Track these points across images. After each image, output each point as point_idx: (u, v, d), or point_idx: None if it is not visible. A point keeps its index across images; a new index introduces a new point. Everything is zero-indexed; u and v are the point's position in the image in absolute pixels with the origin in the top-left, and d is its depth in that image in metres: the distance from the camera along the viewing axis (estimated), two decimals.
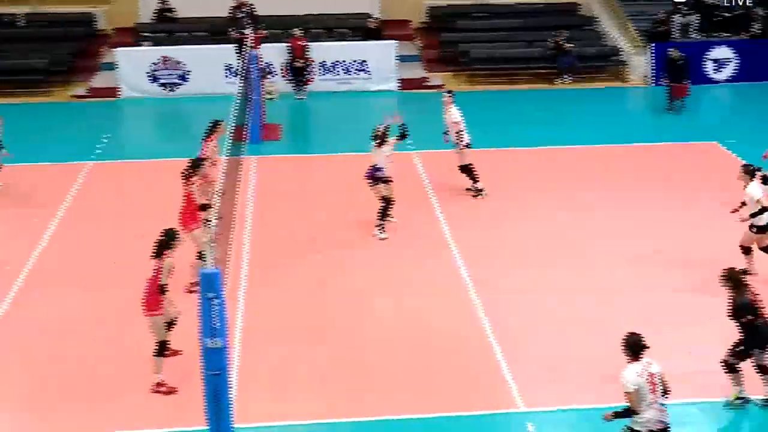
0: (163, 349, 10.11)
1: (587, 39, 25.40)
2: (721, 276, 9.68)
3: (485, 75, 24.43)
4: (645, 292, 12.33)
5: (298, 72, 23.00)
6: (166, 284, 9.99)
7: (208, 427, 8.73)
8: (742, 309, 9.51)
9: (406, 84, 23.69)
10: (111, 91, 23.19)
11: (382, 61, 23.57)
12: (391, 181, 14.24)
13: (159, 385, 10.12)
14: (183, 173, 12.19)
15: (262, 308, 12.11)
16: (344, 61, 23.61)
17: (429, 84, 24.02)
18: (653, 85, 23.44)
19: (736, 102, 23.07)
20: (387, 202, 14.26)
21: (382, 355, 10.98)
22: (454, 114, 15.82)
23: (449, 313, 12.00)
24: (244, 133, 16.57)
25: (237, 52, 20.73)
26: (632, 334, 8.28)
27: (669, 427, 8.26)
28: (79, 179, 16.90)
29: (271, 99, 21.91)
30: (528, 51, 24.90)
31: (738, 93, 23.28)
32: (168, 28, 25.12)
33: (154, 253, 10.06)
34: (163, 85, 23.26)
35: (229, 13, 21.47)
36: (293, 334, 11.48)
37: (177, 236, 10.26)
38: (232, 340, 10.55)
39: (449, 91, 16.48)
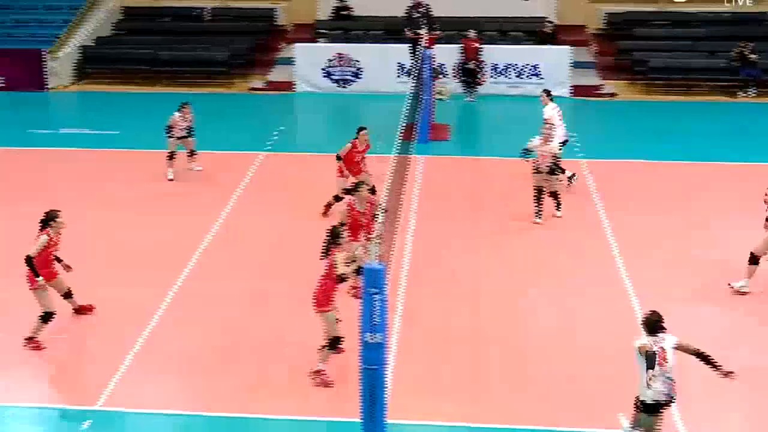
0: (335, 344, 10.24)
1: None
2: None
3: (662, 85, 23.65)
4: None
5: (470, 74, 22.99)
6: (344, 274, 10.04)
7: (361, 420, 8.82)
8: None
9: (579, 91, 23.24)
10: (287, 85, 23.93)
11: (555, 67, 23.24)
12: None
13: (318, 372, 10.31)
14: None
15: (421, 305, 12.14)
16: (516, 65, 23.43)
17: (602, 92, 23.49)
18: None
19: None
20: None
21: (538, 362, 10.78)
22: (547, 112, 16.16)
23: (607, 320, 11.67)
24: (413, 132, 16.69)
25: (411, 52, 20.93)
26: (653, 312, 8.41)
27: (674, 400, 8.33)
28: (251, 169, 17.49)
29: (441, 99, 21.99)
30: (709, 62, 23.94)
31: None
32: (344, 26, 25.69)
33: (322, 253, 10.19)
34: (336, 81, 23.78)
35: (406, 12, 21.69)
36: (450, 333, 11.45)
37: (342, 234, 10.33)
38: (390, 336, 10.64)
39: (547, 91, 16.84)
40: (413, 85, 17.28)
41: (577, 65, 23.57)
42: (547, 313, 12.00)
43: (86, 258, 13.00)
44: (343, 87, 23.75)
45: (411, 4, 21.63)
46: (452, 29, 23.80)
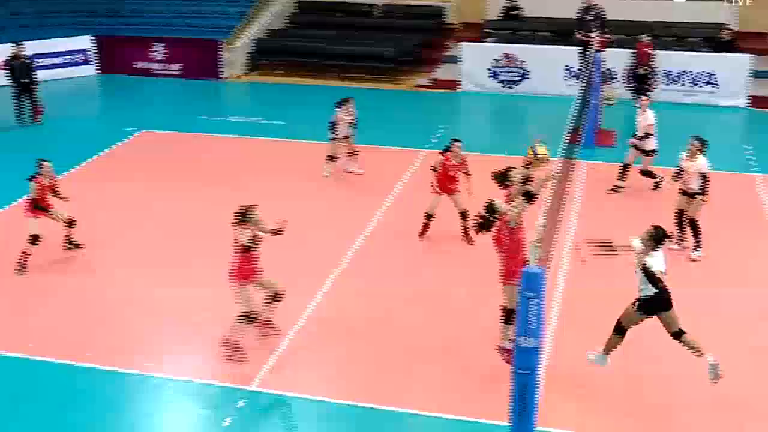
0: (510, 316, 10.26)
1: None
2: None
3: None
4: None
5: (641, 79, 22.30)
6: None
7: (510, 424, 8.69)
8: None
9: (758, 102, 22.12)
10: (452, 84, 23.92)
11: (732, 75, 22.22)
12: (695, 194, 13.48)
13: (504, 350, 10.43)
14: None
15: (578, 311, 11.87)
16: (690, 72, 22.55)
17: None
18: None
19: None
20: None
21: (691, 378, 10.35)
22: (649, 117, 15.89)
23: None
24: (579, 136, 16.32)
25: (580, 55, 20.48)
26: (656, 227, 9.60)
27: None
28: (412, 166, 17.57)
29: (609, 104, 21.43)
30: None
31: None
32: (513, 26, 25.43)
33: (477, 229, 10.35)
34: (502, 81, 23.59)
35: (577, 14, 21.23)
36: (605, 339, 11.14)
37: (497, 207, 10.30)
38: (544, 341, 10.45)
39: (646, 95, 16.31)
40: (581, 88, 16.89)
41: (757, 75, 22.43)
42: (713, 321, 11.49)
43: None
44: (509, 88, 23.53)
45: (583, 6, 21.15)
46: (625, 33, 23.16)
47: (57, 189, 13.52)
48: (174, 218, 15.09)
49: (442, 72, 24.79)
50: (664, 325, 9.85)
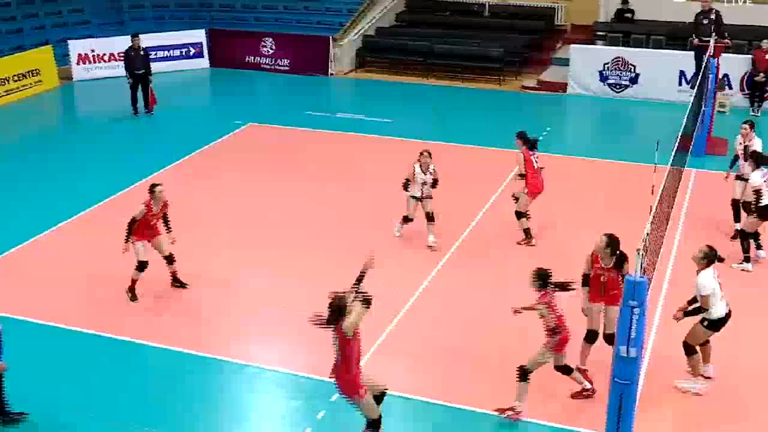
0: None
1: None
2: None
3: None
4: None
5: (758, 86, 21.54)
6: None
7: None
8: None
9: None
10: (559, 86, 23.58)
11: None
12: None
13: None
14: None
15: (676, 325, 11.54)
16: None
17: None
18: None
19: None
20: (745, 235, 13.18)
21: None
22: (756, 143, 14.22)
23: None
24: (690, 144, 15.89)
25: (695, 60, 19.92)
26: (710, 247, 9.94)
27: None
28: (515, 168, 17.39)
29: (722, 112, 20.81)
30: None
31: None
32: (625, 29, 24.90)
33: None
34: (611, 85, 23.14)
35: (694, 18, 20.64)
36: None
37: (344, 306, 8.44)
38: (644, 352, 10.21)
39: (750, 122, 14.74)
40: (695, 95, 16.42)
41: None
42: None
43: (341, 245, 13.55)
44: (618, 92, 23.05)
45: (701, 10, 20.55)
46: (743, 38, 22.41)
47: (167, 217, 12.26)
48: (274, 211, 15.31)
49: (550, 74, 24.47)
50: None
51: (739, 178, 14.24)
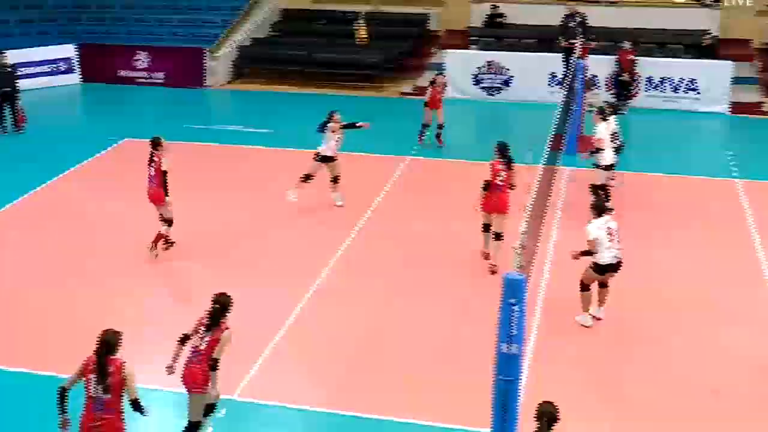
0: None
1: None
2: None
3: None
4: None
5: (623, 86, 22.43)
6: None
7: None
8: None
9: (739, 108, 22.28)
10: None
11: (714, 82, 22.37)
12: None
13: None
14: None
15: (559, 317, 11.89)
16: (673, 79, 22.67)
17: (765, 110, 22.44)
18: None
19: None
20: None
21: (677, 388, 10.38)
22: (599, 130, 15.27)
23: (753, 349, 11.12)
24: (561, 143, 16.35)
25: (564, 62, 20.58)
26: (598, 199, 11.96)
27: (621, 262, 11.45)
28: (395, 173, 17.60)
29: (591, 111, 21.50)
30: None
31: None
32: (497, 34, 25.51)
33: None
34: (485, 88, 23.65)
35: (561, 21, 21.32)
36: (589, 349, 11.18)
37: (228, 306, 8.95)
38: (526, 348, 10.47)
39: (600, 109, 15.71)
40: (564, 95, 16.94)
41: (738, 81, 22.57)
42: (694, 330, 11.55)
43: (227, 253, 13.43)
44: (492, 95, 23.59)
45: (567, 14, 21.24)
46: (608, 40, 23.29)
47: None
48: (151, 227, 15.01)
49: (426, 79, 24.71)
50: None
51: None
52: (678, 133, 21.20)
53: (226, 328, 8.82)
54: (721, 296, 12.62)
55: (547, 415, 7.69)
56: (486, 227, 13.48)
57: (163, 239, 13.71)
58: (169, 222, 13.58)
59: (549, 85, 22.95)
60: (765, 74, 23.96)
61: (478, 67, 23.61)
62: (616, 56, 22.54)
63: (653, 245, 14.24)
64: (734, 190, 16.75)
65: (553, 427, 7.66)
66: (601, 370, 10.83)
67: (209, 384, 8.83)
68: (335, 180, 15.63)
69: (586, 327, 11.66)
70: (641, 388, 10.40)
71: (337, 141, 15.31)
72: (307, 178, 15.39)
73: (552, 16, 22.57)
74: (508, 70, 23.45)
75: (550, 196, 14.15)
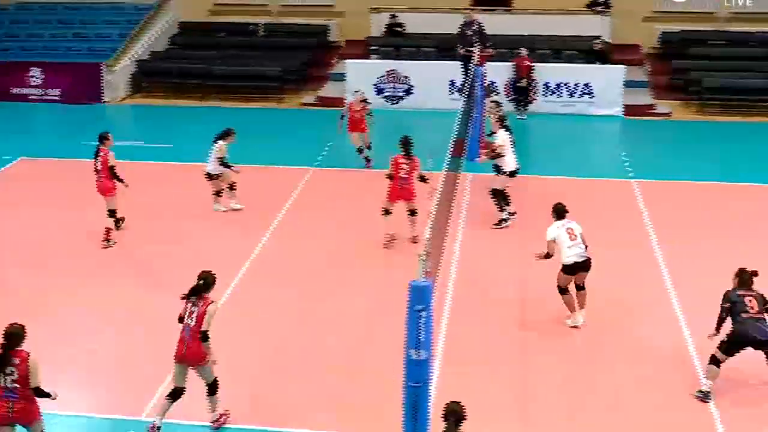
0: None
1: None
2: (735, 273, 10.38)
3: (718, 105, 23.28)
4: None
5: (521, 91, 22.90)
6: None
7: None
8: (726, 299, 10.16)
9: (632, 110, 23.00)
10: (338, 101, 23.96)
11: (608, 86, 23.03)
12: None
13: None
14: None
15: (467, 322, 12.05)
16: (569, 84, 23.25)
17: (656, 111, 23.22)
18: None
19: None
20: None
21: (579, 387, 10.63)
22: (500, 136, 15.48)
23: (655, 343, 11.48)
24: (463, 149, 16.60)
25: (462, 69, 20.88)
26: (558, 204, 11.87)
27: (589, 260, 11.59)
28: (300, 184, 17.57)
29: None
30: (767, 82, 23.52)
31: None
32: (396, 43, 25.73)
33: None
34: (387, 97, 23.82)
35: (458, 30, 21.64)
36: (491, 354, 11.35)
37: (212, 283, 9.65)
38: (434, 353, 10.57)
39: (500, 117, 15.99)
40: (464, 102, 17.21)
41: (630, 84, 23.31)
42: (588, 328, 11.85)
43: (127, 270, 13.16)
44: (394, 103, 23.78)
45: (464, 22, 21.57)
46: (505, 47, 23.75)
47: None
48: (48, 246, 14.65)
49: (328, 90, 24.87)
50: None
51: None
52: (575, 137, 21.74)
53: (211, 302, 9.49)
54: (624, 293, 12.96)
55: (454, 414, 7.78)
56: (386, 211, 14.44)
57: (107, 231, 14.44)
58: (111, 212, 14.49)
59: (449, 92, 23.25)
60: (655, 77, 24.79)
61: (379, 77, 23.78)
62: (514, 63, 23.00)
63: None
64: (631, 190, 17.26)
65: (460, 426, 7.75)
66: (509, 369, 10.99)
67: (208, 354, 9.53)
68: (231, 187, 16.09)
69: (576, 327, 11.83)
70: (550, 385, 10.60)
71: (218, 159, 15.68)
72: (231, 187, 16.06)
73: (450, 24, 22.88)
74: (408, 78, 23.68)
75: (454, 201, 14.39)
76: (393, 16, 26.13)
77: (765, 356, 10.05)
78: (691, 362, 11.08)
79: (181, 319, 9.56)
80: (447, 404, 7.89)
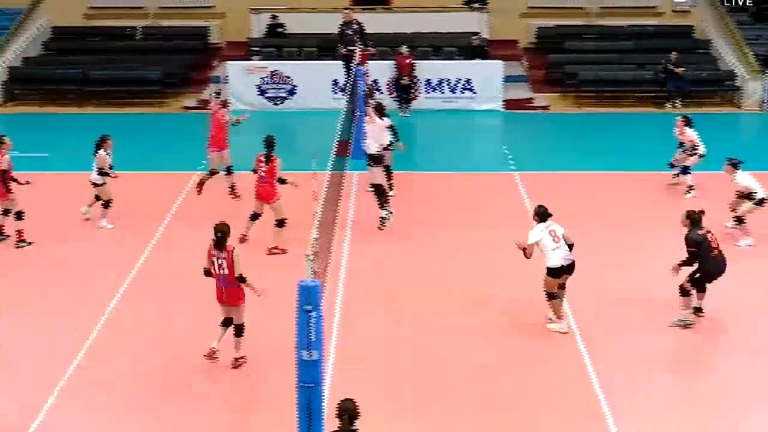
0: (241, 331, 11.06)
1: (701, 62, 24.81)
2: (683, 216, 11.64)
3: (593, 97, 24.08)
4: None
5: (404, 89, 23.14)
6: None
7: None
8: (691, 243, 11.42)
9: (512, 104, 23.55)
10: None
11: (487, 81, 23.50)
12: None
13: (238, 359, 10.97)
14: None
15: (358, 320, 12.10)
16: (450, 80, 23.62)
17: (534, 105, 23.83)
18: None
19: None
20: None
21: (477, 381, 10.83)
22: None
23: (545, 339, 11.79)
24: (348, 148, 16.67)
25: (344, 69, 20.96)
26: (540, 206, 11.60)
27: (574, 262, 11.41)
28: (186, 188, 17.31)
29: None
30: (638, 74, 24.47)
31: None
32: (278, 44, 25.62)
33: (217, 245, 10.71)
34: (270, 98, 23.70)
35: (338, 29, 21.69)
36: (387, 351, 11.43)
37: (228, 232, 10.77)
38: (327, 353, 10.61)
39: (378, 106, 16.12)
40: (347, 101, 17.29)
41: (509, 79, 23.87)
42: (476, 324, 12.08)
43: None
44: (278, 104, 23.68)
45: (343, 21, 21.64)
46: (385, 46, 23.96)
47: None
48: None
49: (210, 92, 24.52)
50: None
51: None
52: (459, 132, 22.12)
53: (233, 248, 10.61)
54: (514, 289, 13.26)
55: (348, 411, 7.81)
56: (254, 215, 14.49)
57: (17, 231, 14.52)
58: (5, 211, 14.59)
59: (333, 92, 23.29)
60: (532, 72, 25.44)
61: (262, 78, 23.62)
62: (395, 61, 23.22)
63: (443, 243, 14.73)
64: (514, 182, 17.65)
65: (354, 423, 7.80)
66: (404, 366, 11.08)
67: (254, 290, 10.68)
68: (106, 204, 15.51)
69: (563, 333, 11.60)
70: (446, 381, 10.73)
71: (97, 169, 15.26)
72: (105, 205, 15.50)
73: (331, 24, 22.90)
74: (291, 79, 23.61)
75: (340, 201, 14.45)
76: (274, 17, 26.01)
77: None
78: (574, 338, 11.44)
79: (207, 272, 10.77)
80: (340, 402, 7.92)
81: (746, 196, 14.40)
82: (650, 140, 20.41)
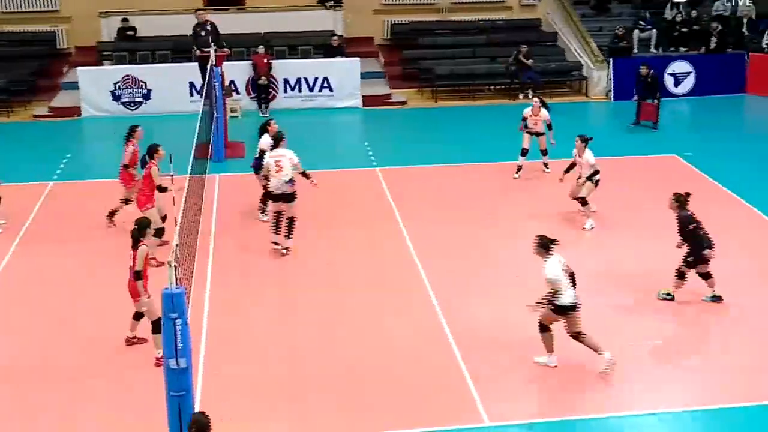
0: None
1: (549, 54, 25.73)
2: (671, 199, 12.16)
3: (448, 91, 24.60)
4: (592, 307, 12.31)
5: (262, 89, 23.05)
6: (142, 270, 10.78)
7: None
8: (685, 221, 11.99)
9: (370, 101, 23.78)
10: (73, 110, 23.03)
11: (345, 78, 23.66)
12: None
13: (158, 359, 10.56)
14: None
15: (225, 328, 12.01)
16: (308, 79, 23.66)
17: (392, 100, 24.15)
18: (614, 100, 23.98)
19: (694, 115, 23.57)
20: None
21: (348, 374, 10.94)
22: (263, 141, 15.23)
23: (413, 327, 12.02)
24: (208, 151, 16.52)
25: (201, 71, 20.69)
26: (541, 236, 10.48)
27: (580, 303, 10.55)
28: (39, 200, 16.75)
29: (235, 116, 21.90)
30: (491, 67, 25.15)
31: (696, 106, 23.86)
32: (130, 47, 25.03)
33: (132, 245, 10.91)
34: (125, 103, 23.15)
35: (192, 31, 21.38)
36: (258, 353, 11.42)
37: (148, 226, 11.13)
38: (196, 361, 10.52)
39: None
40: (205, 103, 17.10)
41: (366, 76, 24.09)
42: (350, 319, 12.22)
43: None
44: (133, 109, 23.13)
45: (197, 23, 21.34)
46: (241, 46, 23.79)
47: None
48: None
49: (60, 100, 23.78)
50: (567, 325, 10.63)
51: None
52: (319, 130, 22.14)
53: (143, 245, 10.82)
54: (380, 275, 13.46)
55: (197, 425, 7.67)
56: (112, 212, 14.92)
57: None
58: None
59: (190, 94, 22.94)
60: (389, 68, 25.76)
61: (115, 83, 23.02)
62: (252, 61, 23.09)
63: (316, 243, 14.77)
64: (377, 178, 17.87)
65: None
66: (279, 367, 11.08)
67: (141, 293, 10.79)
68: None
69: (551, 367, 10.84)
70: (312, 385, 10.76)
71: None
72: None
73: (184, 26, 22.57)
74: (146, 83, 23.11)
75: (202, 205, 14.30)
76: (124, 20, 25.37)
77: None
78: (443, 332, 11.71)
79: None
80: (192, 414, 7.83)
81: (589, 177, 14.99)
82: (506, 131, 21.00)
